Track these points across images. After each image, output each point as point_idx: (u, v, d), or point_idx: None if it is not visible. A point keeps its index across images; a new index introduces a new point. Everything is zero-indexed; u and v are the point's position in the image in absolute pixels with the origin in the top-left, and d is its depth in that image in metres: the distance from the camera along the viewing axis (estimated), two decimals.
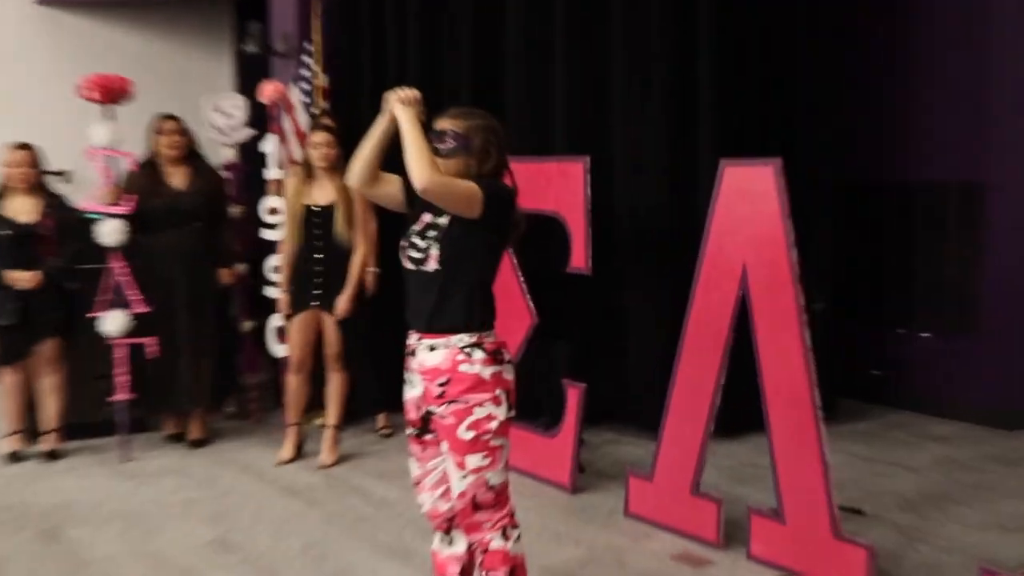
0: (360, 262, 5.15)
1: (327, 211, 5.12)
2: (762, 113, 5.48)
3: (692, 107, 5.32)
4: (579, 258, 4.66)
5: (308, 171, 5.19)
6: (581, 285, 5.10)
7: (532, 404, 5.58)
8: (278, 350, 5.86)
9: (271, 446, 5.57)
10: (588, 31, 5.51)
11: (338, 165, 5.09)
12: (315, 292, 5.17)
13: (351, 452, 5.50)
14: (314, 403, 5.61)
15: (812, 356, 3.75)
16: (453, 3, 5.90)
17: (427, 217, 3.05)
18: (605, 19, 5.48)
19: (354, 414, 5.99)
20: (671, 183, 5.36)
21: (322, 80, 6.02)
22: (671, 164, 5.36)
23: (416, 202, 3.06)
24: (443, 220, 3.00)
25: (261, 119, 6.04)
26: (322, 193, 5.15)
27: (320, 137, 5.15)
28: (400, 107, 2.96)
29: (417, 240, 3.04)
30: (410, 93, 2.99)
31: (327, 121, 5.38)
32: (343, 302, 5.15)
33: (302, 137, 5.75)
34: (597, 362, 5.57)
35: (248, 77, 7.28)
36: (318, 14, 6.01)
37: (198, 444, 5.64)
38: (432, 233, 3.01)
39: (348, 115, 5.80)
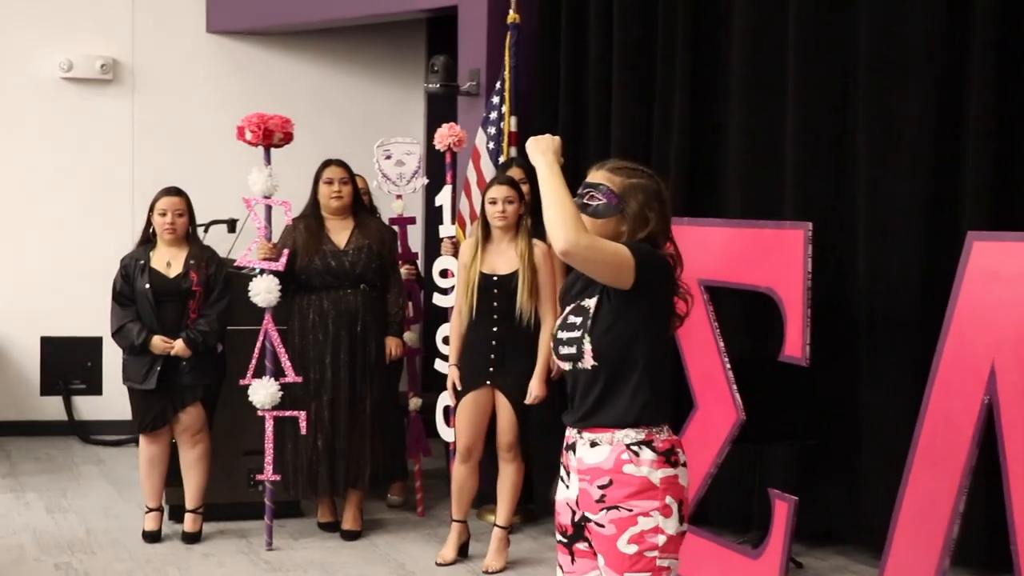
0: (550, 337, 5.20)
1: (507, 280, 5.24)
2: None
3: (954, 160, 5.15)
4: (794, 345, 4.62)
5: (486, 231, 5.32)
6: (802, 377, 5.05)
7: (738, 517, 5.57)
8: (447, 433, 6.02)
9: (435, 543, 5.72)
10: (824, 65, 5.46)
11: (520, 225, 5.25)
12: (490, 370, 5.32)
13: (524, 557, 5.57)
14: (489, 497, 5.72)
15: None
16: (665, 39, 5.97)
17: (576, 302, 3.10)
18: (846, 51, 5.41)
19: (531, 513, 6.11)
20: (924, 253, 5.22)
21: (511, 124, 6.22)
22: (927, 230, 5.21)
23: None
24: (590, 302, 3.05)
25: (440, 167, 6.29)
26: (502, 258, 5.28)
27: (498, 191, 5.24)
28: (537, 154, 3.01)
29: (562, 334, 3.09)
30: (548, 139, 3.04)
31: (511, 173, 5.54)
32: (537, 385, 5.24)
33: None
34: (820, 471, 5.47)
35: (435, 118, 7.57)
36: (509, 47, 6.22)
37: (352, 536, 5.84)
38: (579, 320, 3.06)
39: None
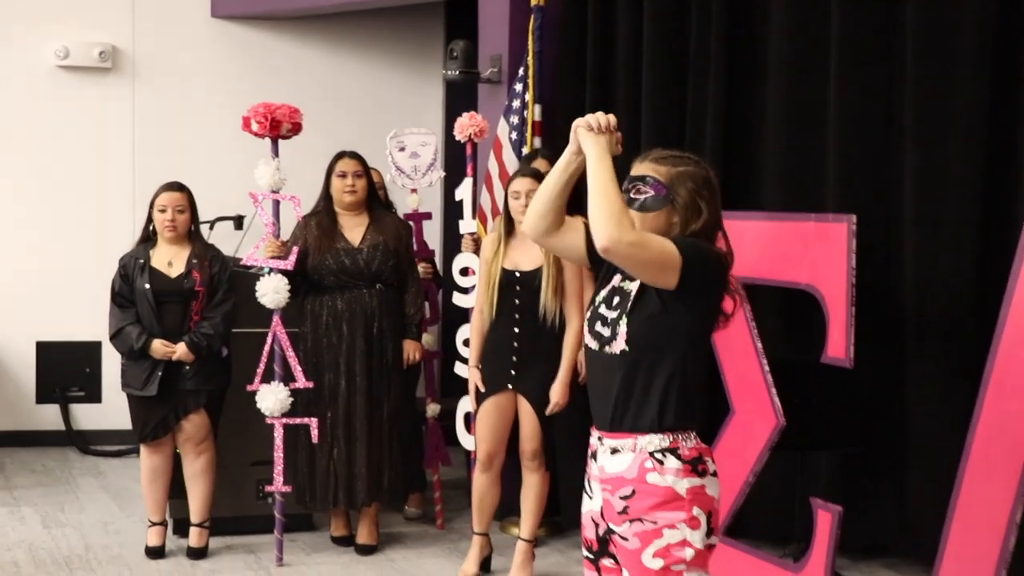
0: (576, 340, 5.21)
1: (530, 276, 5.28)
2: None
3: (1009, 149, 5.15)
4: (837, 346, 4.63)
5: (509, 226, 5.37)
6: (846, 380, 5.05)
7: (778, 528, 5.58)
8: (467, 441, 6.05)
9: (454, 558, 5.77)
10: (869, 47, 5.45)
11: None
12: (512, 372, 5.34)
13: (550, 572, 5.61)
14: (513, 508, 5.74)
15: None
16: (699, 19, 5.98)
17: (616, 279, 3.13)
18: (894, 30, 5.40)
19: (558, 525, 6.14)
20: (980, 249, 5.21)
21: (534, 113, 6.25)
22: (981, 223, 5.21)
23: (603, 261, 3.09)
24: (632, 286, 3.06)
25: (460, 159, 6.32)
26: (525, 255, 5.31)
27: (521, 184, 5.28)
28: (588, 136, 3.01)
29: (603, 310, 3.12)
30: (603, 118, 3.02)
31: (536, 164, 5.57)
32: (558, 391, 5.26)
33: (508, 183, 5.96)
34: (866, 479, 5.48)
35: (454, 107, 7.61)
36: (533, 31, 6.25)
37: (368, 550, 5.89)
38: (619, 301, 3.08)
39: None
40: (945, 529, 4.14)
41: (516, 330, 5.31)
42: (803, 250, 4.80)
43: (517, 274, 5.30)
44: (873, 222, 5.12)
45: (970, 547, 4.06)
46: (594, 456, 3.15)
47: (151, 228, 5.68)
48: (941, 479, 5.10)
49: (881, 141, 5.45)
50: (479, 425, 5.46)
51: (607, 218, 2.90)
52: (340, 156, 5.85)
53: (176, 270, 5.61)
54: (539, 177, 5.29)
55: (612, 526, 3.09)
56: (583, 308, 5.26)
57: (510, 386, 5.34)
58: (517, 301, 5.30)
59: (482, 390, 5.40)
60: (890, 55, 5.40)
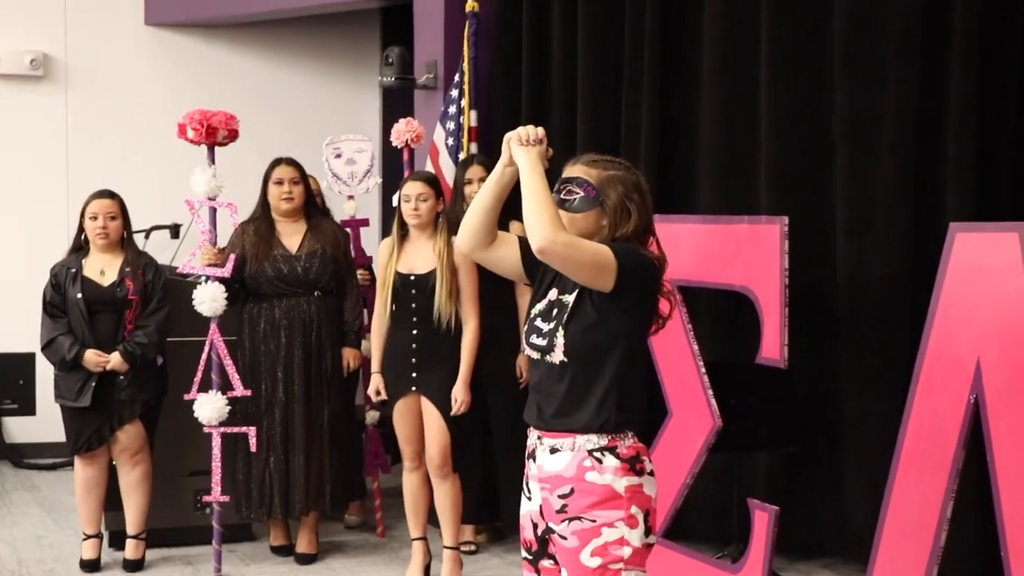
0: (473, 341, 5.30)
1: (425, 279, 5.30)
2: None
3: (936, 151, 5.23)
4: (772, 346, 4.68)
5: (402, 230, 5.39)
6: (781, 380, 5.12)
7: (716, 529, 5.63)
8: None
9: (395, 566, 5.77)
10: (799, 54, 5.53)
11: (437, 223, 5.32)
12: (413, 375, 5.35)
13: None
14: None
15: None
16: (633, 25, 6.03)
17: (552, 293, 3.18)
18: (823, 37, 5.48)
19: (498, 531, 6.16)
20: (907, 248, 5.29)
21: (470, 118, 6.28)
22: (909, 224, 5.29)
23: (538, 271, 3.19)
24: (569, 298, 3.11)
25: (397, 165, 6.33)
26: (419, 257, 5.34)
27: (411, 188, 5.33)
28: (520, 148, 3.07)
29: (540, 323, 3.16)
30: (532, 130, 3.09)
31: (472, 171, 5.66)
32: (461, 390, 5.28)
33: (447, 189, 5.98)
34: (803, 479, 5.54)
35: (391, 114, 7.62)
36: (468, 37, 6.28)
37: (307, 559, 5.87)
38: (556, 313, 3.13)
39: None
40: (879, 527, 4.20)
41: (414, 332, 5.34)
42: (737, 252, 4.85)
43: (412, 277, 5.33)
44: (805, 224, 5.18)
45: (903, 544, 4.12)
46: (532, 456, 3.18)
47: (83, 237, 5.65)
48: (876, 477, 5.17)
49: (812, 145, 5.53)
50: (398, 427, 5.47)
51: (542, 220, 2.95)
52: (277, 163, 5.84)
53: (109, 279, 5.57)
54: (431, 182, 5.39)
55: (551, 525, 3.12)
56: (478, 308, 5.31)
57: (413, 388, 5.36)
58: (414, 304, 5.33)
59: (384, 398, 5.44)
60: (819, 62, 5.48)
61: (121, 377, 5.51)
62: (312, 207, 5.96)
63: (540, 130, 3.10)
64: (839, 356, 5.43)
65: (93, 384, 5.49)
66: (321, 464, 5.81)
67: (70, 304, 5.52)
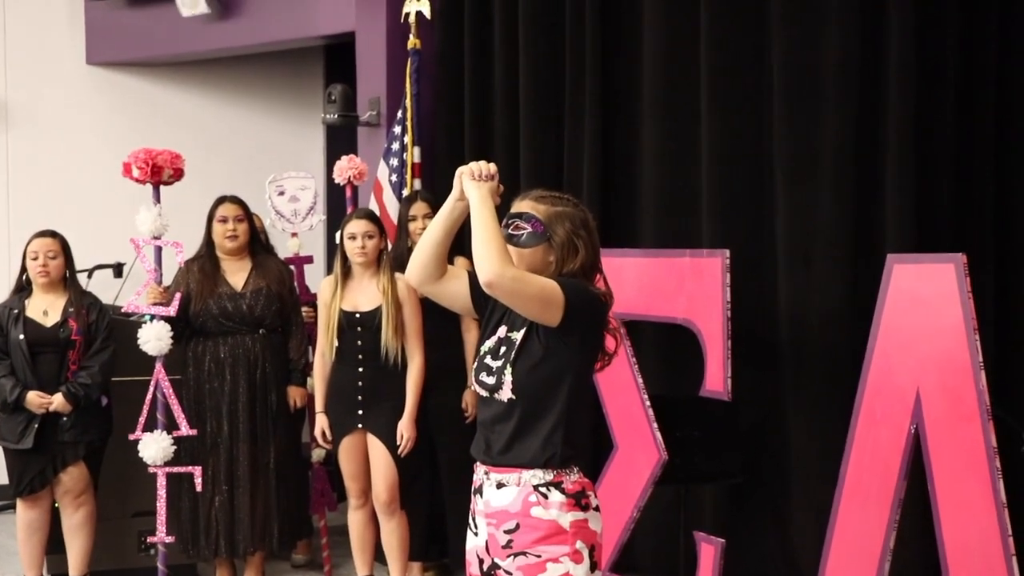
0: (418, 377, 5.34)
1: (370, 316, 5.33)
2: (976, 188, 5.35)
3: (874, 184, 5.29)
4: (716, 379, 4.72)
5: (345, 267, 5.41)
6: (725, 412, 5.14)
7: (664, 562, 5.63)
8: None
9: None
10: (738, 89, 5.58)
11: (381, 260, 5.36)
12: (359, 413, 5.37)
13: None
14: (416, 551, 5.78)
15: (1008, 516, 3.71)
16: (573, 61, 6.08)
17: (501, 330, 3.20)
18: (761, 71, 5.54)
19: (446, 567, 6.15)
20: (847, 280, 5.33)
21: (414, 155, 6.30)
22: (850, 256, 5.34)
23: (487, 306, 3.21)
24: (517, 335, 3.13)
25: (341, 202, 6.34)
26: (363, 295, 5.37)
27: (356, 226, 5.37)
28: (471, 183, 3.12)
29: (489, 360, 3.18)
30: (484, 166, 3.14)
31: (416, 208, 5.68)
32: (407, 425, 5.30)
33: (391, 226, 6.00)
34: (749, 511, 5.56)
35: (335, 151, 7.62)
36: (410, 74, 6.31)
37: None
38: (504, 351, 3.15)
39: (444, 197, 6.02)
40: (823, 558, 4.23)
41: (360, 370, 5.36)
42: (679, 285, 4.89)
43: (357, 315, 5.35)
44: (747, 257, 5.23)
45: (847, 574, 4.15)
46: (479, 491, 3.19)
47: (24, 277, 5.61)
48: (821, 508, 5.20)
49: (753, 178, 5.56)
50: (344, 465, 5.49)
51: (491, 254, 2.98)
52: (221, 201, 5.83)
53: (52, 319, 5.53)
54: (374, 219, 5.45)
55: (497, 560, 3.13)
56: (423, 344, 5.33)
57: (359, 425, 5.38)
58: (359, 342, 5.35)
59: (329, 437, 5.45)
60: (758, 95, 5.53)
61: (64, 418, 5.46)
62: (257, 245, 5.94)
63: (492, 166, 3.15)
64: (783, 388, 5.46)
65: (36, 425, 5.44)
66: (267, 503, 5.77)
67: (12, 345, 5.48)
